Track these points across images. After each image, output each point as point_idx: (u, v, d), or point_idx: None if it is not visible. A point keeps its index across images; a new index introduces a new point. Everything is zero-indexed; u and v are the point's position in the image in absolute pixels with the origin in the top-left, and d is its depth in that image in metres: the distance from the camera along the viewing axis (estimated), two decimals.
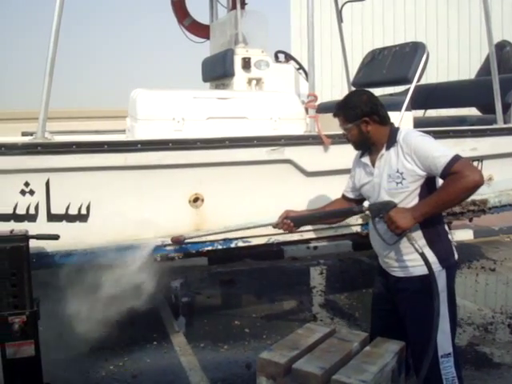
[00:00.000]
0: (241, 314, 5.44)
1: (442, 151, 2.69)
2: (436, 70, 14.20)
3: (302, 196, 4.43)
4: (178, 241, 3.91)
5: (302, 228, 4.34)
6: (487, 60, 5.80)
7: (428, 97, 6.43)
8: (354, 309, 5.60)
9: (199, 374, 4.21)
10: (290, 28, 18.26)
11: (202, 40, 6.74)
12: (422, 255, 2.65)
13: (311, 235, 4.76)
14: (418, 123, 5.16)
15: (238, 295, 6.29)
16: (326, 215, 3.23)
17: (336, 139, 4.45)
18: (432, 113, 7.21)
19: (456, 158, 2.64)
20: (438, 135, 4.94)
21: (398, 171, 2.80)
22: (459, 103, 6.66)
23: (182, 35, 6.82)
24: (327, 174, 4.54)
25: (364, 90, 3.08)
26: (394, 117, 4.81)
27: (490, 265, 7.10)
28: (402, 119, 4.81)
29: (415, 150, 2.74)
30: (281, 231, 3.28)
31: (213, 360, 4.46)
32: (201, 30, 6.77)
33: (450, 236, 3.01)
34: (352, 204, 3.22)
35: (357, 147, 3.07)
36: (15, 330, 3.09)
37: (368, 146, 2.99)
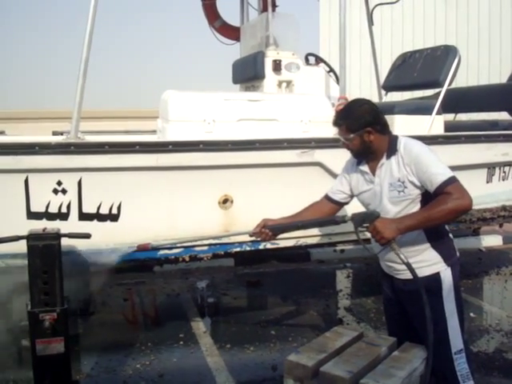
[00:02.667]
0: (267, 315, 5.44)
1: (440, 169, 2.72)
2: (466, 74, 14.05)
3: None
4: (144, 248, 3.84)
5: (329, 231, 4.37)
6: None
7: (458, 101, 6.37)
8: (381, 313, 5.53)
9: (225, 374, 4.22)
10: (319, 31, 18.22)
11: (233, 42, 6.77)
12: (408, 264, 2.68)
13: (338, 238, 4.76)
14: (449, 127, 5.13)
15: (264, 297, 6.29)
16: (306, 224, 3.22)
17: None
18: (462, 117, 7.15)
19: (452, 180, 2.68)
20: (470, 139, 4.95)
21: (399, 180, 2.82)
22: (490, 107, 6.59)
23: (213, 37, 6.85)
24: None
25: (364, 100, 3.06)
26: (424, 120, 4.83)
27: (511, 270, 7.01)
28: (433, 123, 4.78)
29: (415, 162, 2.76)
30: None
31: (239, 361, 4.47)
32: (231, 32, 6.80)
33: (450, 235, 3.03)
34: (332, 206, 3.25)
35: (357, 156, 3.05)
36: (46, 326, 3.14)
37: (369, 155, 2.97)
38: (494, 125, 5.66)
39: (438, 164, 2.75)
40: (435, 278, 2.86)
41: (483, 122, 5.93)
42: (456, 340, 2.88)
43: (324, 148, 4.39)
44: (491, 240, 8.35)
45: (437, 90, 5.24)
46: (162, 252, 4.08)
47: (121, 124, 6.90)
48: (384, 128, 2.92)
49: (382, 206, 2.90)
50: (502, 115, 6.89)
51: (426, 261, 2.86)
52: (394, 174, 2.84)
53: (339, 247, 7.27)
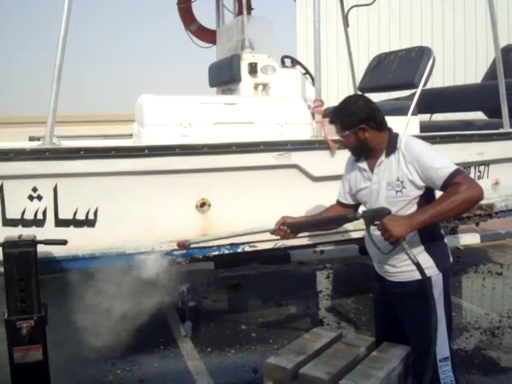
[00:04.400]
0: (247, 318, 5.44)
1: (445, 162, 2.67)
2: (442, 74, 14.19)
3: (308, 201, 4.43)
4: (183, 245, 3.90)
5: (308, 233, 4.37)
6: (493, 64, 5.81)
7: (434, 101, 6.43)
8: (361, 313, 5.59)
9: (206, 378, 4.21)
10: (296, 33, 18.28)
11: (209, 45, 6.76)
12: (418, 265, 2.60)
13: (318, 240, 4.77)
14: (425, 127, 5.17)
15: (245, 299, 6.29)
16: (320, 222, 3.18)
17: (342, 144, 4.45)
18: (438, 117, 7.22)
19: (458, 171, 2.63)
20: (444, 139, 4.99)
21: (398, 179, 2.76)
22: (465, 107, 6.66)
23: (189, 40, 6.84)
24: (334, 179, 4.49)
25: (360, 96, 3.04)
26: (400, 121, 4.86)
27: (497, 269, 7.08)
28: (409, 123, 4.81)
29: (417, 159, 2.70)
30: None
31: (219, 364, 4.46)
32: (207, 35, 6.79)
33: (445, 239, 2.99)
34: (348, 210, 3.14)
35: (354, 153, 3.01)
36: (23, 334, 3.12)
37: (366, 152, 2.93)
38: (468, 125, 5.71)
39: (442, 158, 2.71)
40: (426, 283, 2.74)
41: (458, 122, 5.99)
42: (442, 347, 2.82)
43: (300, 150, 4.40)
44: (469, 238, 8.43)
45: (413, 91, 5.28)
46: (140, 257, 4.06)
47: (99, 128, 6.88)
48: (380, 125, 2.86)
49: (377, 205, 2.83)
50: (478, 115, 6.97)
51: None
52: (393, 173, 2.79)
53: (319, 248, 7.31)
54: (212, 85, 6.33)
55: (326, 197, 4.44)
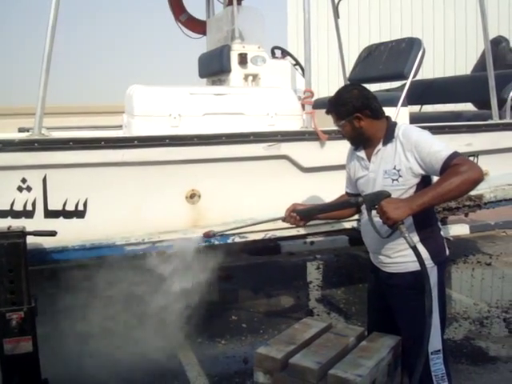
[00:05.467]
0: (238, 309, 5.45)
1: (443, 146, 2.65)
2: (432, 66, 14.20)
3: (298, 192, 4.43)
4: (208, 235, 3.87)
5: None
6: (483, 56, 5.82)
7: (424, 92, 6.44)
8: (351, 303, 5.62)
9: (196, 368, 4.23)
10: (287, 24, 18.25)
11: (199, 36, 6.73)
12: (414, 249, 2.56)
13: (308, 230, 4.78)
14: (414, 118, 5.18)
15: (235, 290, 6.30)
16: (326, 208, 3.15)
17: (332, 135, 4.46)
18: (428, 108, 7.23)
19: (457, 153, 2.60)
20: (433, 130, 4.92)
21: (395, 168, 2.75)
22: (455, 99, 6.68)
23: (179, 31, 6.81)
24: (323, 170, 4.56)
25: (355, 85, 3.01)
26: (390, 112, 4.85)
27: (486, 259, 7.13)
28: (398, 114, 4.82)
29: (415, 145, 2.69)
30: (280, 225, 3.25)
31: (210, 355, 4.48)
32: (197, 26, 6.76)
33: (442, 232, 2.99)
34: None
35: (353, 143, 3.02)
36: (13, 326, 3.10)
37: (364, 141, 2.93)
38: (458, 116, 5.74)
39: (439, 142, 2.69)
40: (419, 275, 2.67)
41: (448, 113, 6.01)
42: (434, 340, 2.80)
43: (290, 141, 4.40)
44: (458, 229, 8.41)
45: (403, 82, 5.29)
46: (129, 248, 4.06)
47: (89, 119, 6.84)
48: (376, 113, 2.84)
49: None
50: (468, 106, 6.99)
51: (412, 256, 2.66)
52: (390, 161, 2.78)
53: (309, 239, 7.32)
54: (202, 75, 6.31)
55: (316, 187, 4.50)
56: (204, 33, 6.50)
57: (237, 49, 5.40)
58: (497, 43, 6.56)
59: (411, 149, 2.70)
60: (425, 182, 2.77)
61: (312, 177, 4.53)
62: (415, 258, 2.60)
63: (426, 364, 2.76)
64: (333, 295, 5.98)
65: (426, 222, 2.84)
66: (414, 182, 2.76)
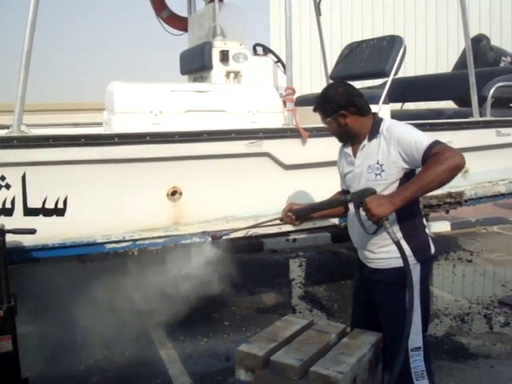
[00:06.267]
0: (220, 306, 5.44)
1: (424, 136, 2.66)
2: (414, 64, 14.28)
3: (280, 189, 4.45)
4: (215, 237, 3.88)
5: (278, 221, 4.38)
6: (464, 53, 5.85)
7: (406, 90, 6.47)
8: (333, 300, 5.64)
9: (178, 366, 4.22)
10: (270, 21, 18.25)
11: (180, 33, 6.69)
12: (398, 244, 2.56)
13: (290, 228, 4.78)
14: (396, 116, 5.19)
15: (217, 288, 6.27)
16: (318, 207, 3.13)
17: (314, 132, 4.47)
18: (410, 105, 7.27)
19: (437, 142, 2.59)
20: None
21: (378, 163, 2.77)
22: (436, 96, 6.72)
23: (160, 28, 6.77)
24: (305, 167, 4.56)
25: (341, 83, 3.03)
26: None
27: (467, 256, 7.19)
28: (380, 112, 4.83)
29: (398, 138, 2.70)
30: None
31: (192, 353, 4.47)
32: (179, 23, 6.72)
33: (427, 230, 2.98)
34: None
35: (340, 139, 3.04)
36: None
37: (351, 138, 2.95)
38: (439, 113, 5.77)
39: (420, 134, 2.71)
40: (402, 272, 2.66)
41: (429, 111, 6.04)
42: (415, 337, 2.80)
43: (272, 138, 4.39)
44: (440, 226, 8.54)
45: (385, 80, 5.30)
46: (110, 246, 4.03)
47: (70, 117, 6.79)
48: (362, 110, 2.85)
49: (360, 188, 2.80)
50: (450, 104, 7.03)
51: (396, 252, 2.65)
52: (374, 156, 2.79)
53: (291, 236, 7.33)
54: (184, 72, 6.29)
55: (298, 185, 4.50)
56: (186, 29, 6.47)
57: (218, 46, 5.38)
58: (477, 41, 6.62)
59: (394, 142, 2.71)
60: (407, 176, 2.76)
61: (294, 174, 4.53)
62: (398, 255, 2.60)
63: (405, 360, 2.76)
64: (315, 292, 5.99)
65: (410, 218, 2.85)
66: (397, 177, 2.76)
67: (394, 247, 2.64)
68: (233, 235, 3.89)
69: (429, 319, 3.04)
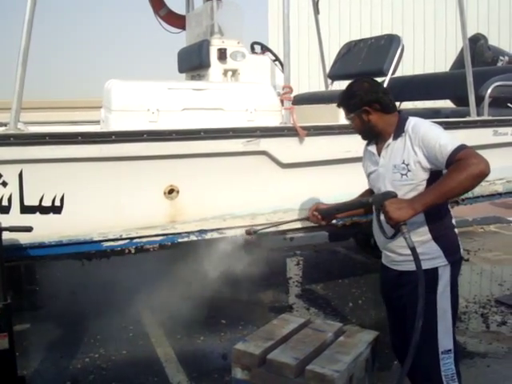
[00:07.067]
0: (217, 305, 5.43)
1: (449, 139, 2.59)
2: (412, 63, 14.30)
3: (277, 187, 4.46)
4: (249, 233, 3.92)
5: (276, 219, 4.40)
6: (461, 53, 5.85)
7: (403, 89, 6.47)
8: (330, 299, 5.64)
9: (175, 365, 4.21)
10: (268, 20, 18.25)
11: (178, 30, 6.69)
12: (413, 250, 2.51)
13: (287, 227, 4.78)
14: None
15: (213, 286, 6.27)
16: (342, 208, 3.12)
17: (311, 131, 4.46)
18: (408, 105, 7.27)
19: (463, 147, 2.53)
20: None
21: (403, 162, 2.71)
22: (434, 95, 6.72)
23: (158, 25, 6.77)
24: (302, 166, 4.56)
25: (366, 78, 2.97)
26: None
27: (464, 255, 7.15)
28: None
29: (423, 139, 2.64)
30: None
31: (189, 351, 4.46)
32: (177, 21, 6.72)
33: (456, 230, 2.90)
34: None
35: (363, 137, 3.00)
36: None
37: (374, 136, 2.91)
38: (436, 112, 5.76)
39: (446, 136, 2.64)
40: (433, 274, 2.69)
41: (426, 110, 6.04)
42: (445, 339, 2.76)
43: (269, 137, 4.38)
44: None
45: (382, 79, 5.30)
46: (107, 244, 4.03)
47: (68, 114, 6.79)
48: (386, 107, 2.81)
49: (384, 189, 2.79)
50: (448, 103, 7.03)
51: (426, 254, 2.67)
52: (399, 155, 2.73)
53: (289, 235, 7.32)
54: (181, 70, 6.28)
55: (295, 183, 4.50)
56: (183, 27, 6.46)
57: (216, 44, 5.38)
58: (475, 41, 6.62)
59: (419, 143, 2.66)
60: (434, 178, 2.67)
61: (291, 172, 4.52)
62: (428, 256, 2.63)
63: (436, 363, 2.74)
64: (312, 291, 5.99)
65: (439, 219, 2.79)
66: (423, 178, 2.70)
67: (422, 249, 2.64)
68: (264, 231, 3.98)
69: (456, 321, 2.93)
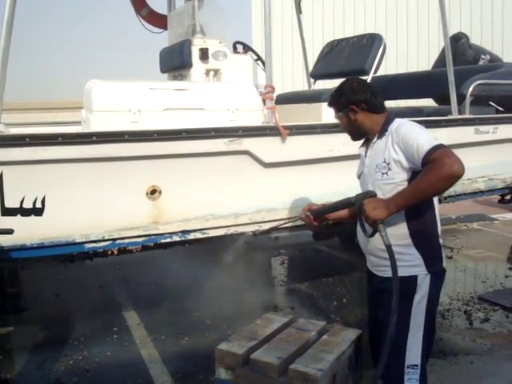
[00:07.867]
0: (201, 305, 5.42)
1: (428, 139, 2.54)
2: (395, 62, 14.37)
3: (259, 187, 4.46)
4: (253, 234, 3.93)
5: (259, 219, 4.40)
6: (443, 52, 5.88)
7: (386, 88, 6.49)
8: (315, 298, 5.65)
9: (160, 366, 4.20)
10: (251, 19, 18.22)
11: (160, 30, 6.67)
12: (388, 247, 2.50)
13: (271, 226, 4.78)
14: None
15: (197, 286, 6.26)
16: (331, 208, 3.09)
17: (293, 130, 4.47)
18: (390, 103, 7.29)
19: (439, 146, 2.48)
20: None
21: (384, 161, 2.70)
22: (416, 94, 6.75)
23: (140, 25, 6.74)
24: (285, 165, 4.56)
25: (356, 78, 3.02)
26: None
27: (448, 252, 7.21)
28: None
29: (403, 138, 2.62)
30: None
31: (173, 352, 4.45)
32: (158, 20, 6.70)
33: (440, 240, 2.82)
34: None
35: (352, 137, 2.99)
36: None
37: (362, 135, 2.93)
38: (418, 111, 5.79)
39: (428, 136, 2.59)
40: (410, 282, 2.64)
41: (408, 109, 6.06)
42: (413, 353, 2.67)
43: (252, 136, 4.38)
44: None
45: (364, 78, 5.32)
46: (89, 245, 4.00)
47: (49, 115, 6.75)
48: (373, 107, 2.81)
49: (368, 188, 2.77)
50: (430, 102, 7.07)
51: (405, 260, 2.64)
52: (381, 154, 2.73)
53: (273, 234, 7.31)
54: (163, 70, 6.26)
55: (277, 183, 4.50)
56: (165, 27, 6.44)
57: (198, 43, 5.36)
58: (457, 39, 6.66)
59: (399, 142, 2.65)
60: (415, 177, 2.63)
61: (273, 172, 4.53)
62: (408, 263, 2.62)
63: (399, 376, 2.67)
64: (296, 290, 6.00)
65: (422, 223, 2.73)
66: (404, 178, 2.66)
67: (402, 255, 2.63)
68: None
69: (433, 340, 2.86)
